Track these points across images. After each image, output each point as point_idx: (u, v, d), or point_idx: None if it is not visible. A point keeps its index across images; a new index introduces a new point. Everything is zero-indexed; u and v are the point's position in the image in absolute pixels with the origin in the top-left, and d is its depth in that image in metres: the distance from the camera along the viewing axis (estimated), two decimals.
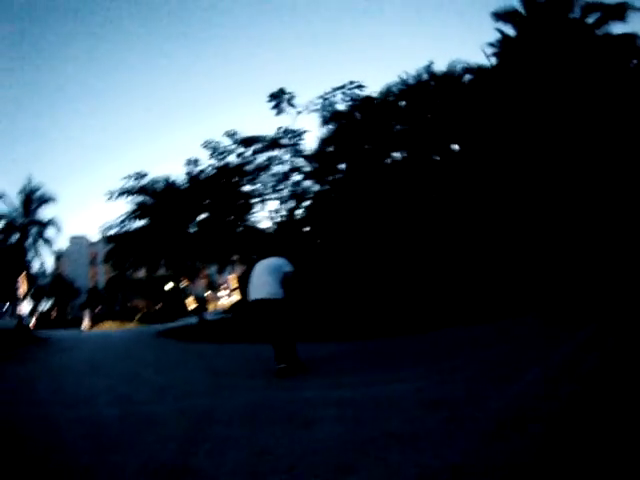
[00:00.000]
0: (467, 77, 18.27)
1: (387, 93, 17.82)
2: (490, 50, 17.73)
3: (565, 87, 15.02)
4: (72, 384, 7.18)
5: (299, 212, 20.66)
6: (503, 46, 17.89)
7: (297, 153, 19.18)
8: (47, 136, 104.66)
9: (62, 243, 46.06)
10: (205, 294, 36.54)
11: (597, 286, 10.20)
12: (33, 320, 31.27)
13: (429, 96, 17.63)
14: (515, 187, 14.92)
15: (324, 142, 18.23)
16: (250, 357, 8.41)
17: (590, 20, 17.14)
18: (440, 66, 18.37)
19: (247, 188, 22.19)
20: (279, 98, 18.06)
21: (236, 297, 24.87)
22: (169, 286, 28.63)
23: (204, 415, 4.31)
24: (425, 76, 17.93)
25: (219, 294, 33.27)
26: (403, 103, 17.66)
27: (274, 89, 18.14)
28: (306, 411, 3.99)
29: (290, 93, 18.17)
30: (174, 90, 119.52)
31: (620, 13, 16.54)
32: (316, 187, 19.75)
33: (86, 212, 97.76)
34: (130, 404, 5.21)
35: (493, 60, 17.88)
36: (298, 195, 20.17)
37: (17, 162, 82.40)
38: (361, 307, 12.94)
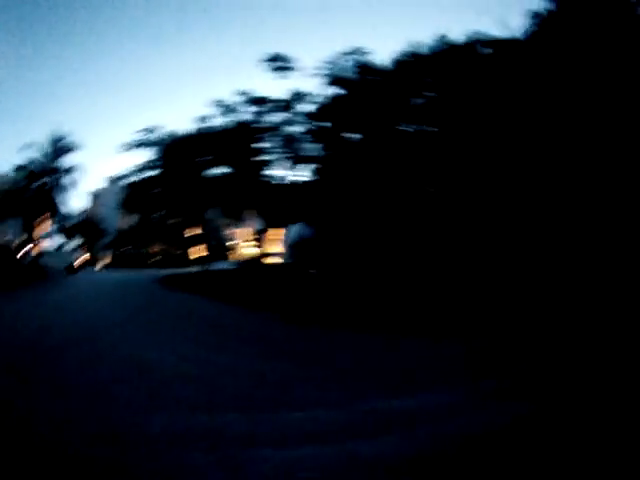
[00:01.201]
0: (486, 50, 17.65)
1: (398, 63, 17.49)
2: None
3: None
4: None
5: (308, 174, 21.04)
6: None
7: (306, 116, 19.33)
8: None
9: (98, 184, 47.65)
10: (228, 243, 37.71)
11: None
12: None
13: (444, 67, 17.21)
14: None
15: (331, 106, 18.23)
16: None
17: None
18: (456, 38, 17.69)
19: (262, 145, 22.64)
20: (280, 61, 18.20)
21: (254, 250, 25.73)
22: (191, 232, 29.77)
23: None
24: (439, 47, 17.40)
25: (244, 244, 34.30)
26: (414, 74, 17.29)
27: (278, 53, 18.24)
28: None
29: (288, 57, 18.36)
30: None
31: None
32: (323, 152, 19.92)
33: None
34: None
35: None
36: (305, 157, 20.50)
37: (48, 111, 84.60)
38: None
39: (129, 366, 4.97)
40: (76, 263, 34.67)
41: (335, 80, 18.01)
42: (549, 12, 17.31)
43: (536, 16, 17.41)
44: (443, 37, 17.41)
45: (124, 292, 16.26)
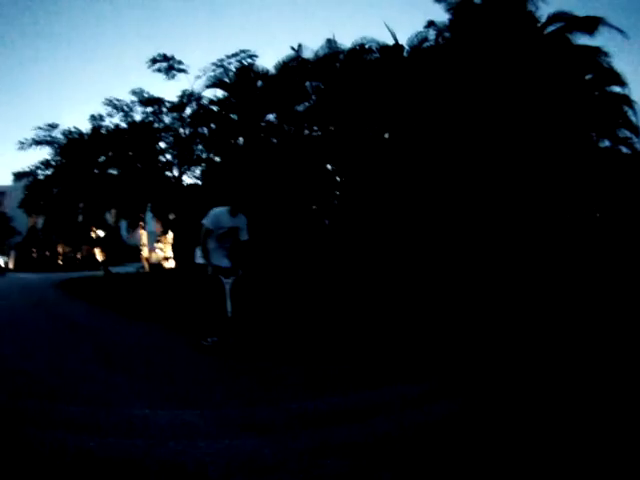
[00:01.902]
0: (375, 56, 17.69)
1: (282, 67, 17.29)
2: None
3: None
4: None
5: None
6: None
7: (196, 118, 18.98)
8: None
9: (4, 181, 45.20)
10: (141, 246, 36.57)
11: None
12: None
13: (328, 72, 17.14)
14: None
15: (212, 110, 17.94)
16: None
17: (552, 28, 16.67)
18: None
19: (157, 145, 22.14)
20: (167, 62, 17.78)
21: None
22: (99, 233, 28.78)
23: None
24: (324, 51, 17.30)
25: (157, 247, 33.33)
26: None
27: (158, 55, 17.80)
28: None
29: (174, 58, 17.97)
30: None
31: (588, 26, 16.04)
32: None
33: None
34: None
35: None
36: (196, 159, 20.22)
37: None
38: None
39: None
40: None
41: (217, 83, 17.70)
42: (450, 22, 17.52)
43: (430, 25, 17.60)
44: (330, 42, 17.32)
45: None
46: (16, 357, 5.39)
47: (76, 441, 2.64)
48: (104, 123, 22.78)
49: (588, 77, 16.81)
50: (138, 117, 21.63)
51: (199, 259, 5.35)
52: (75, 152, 23.47)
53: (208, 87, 18.01)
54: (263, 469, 2.30)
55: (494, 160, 15.22)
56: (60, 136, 23.68)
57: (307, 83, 16.88)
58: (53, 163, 25.06)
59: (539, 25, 16.73)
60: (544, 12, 16.39)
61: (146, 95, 21.08)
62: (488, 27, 16.08)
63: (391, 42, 16.63)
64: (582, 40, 16.03)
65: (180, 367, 4.78)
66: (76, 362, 5.08)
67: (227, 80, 17.62)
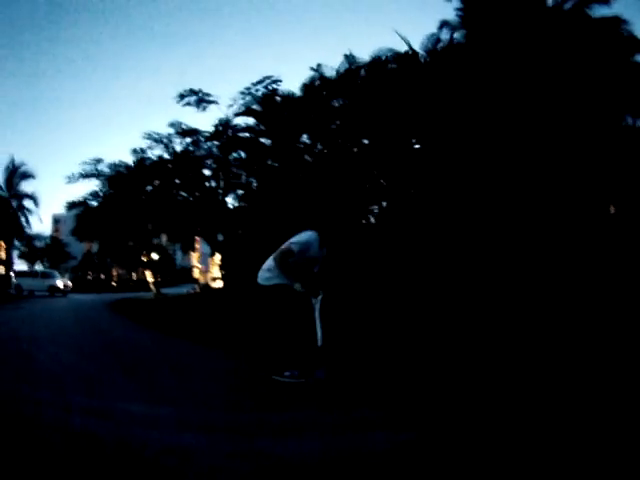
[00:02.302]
0: (392, 66, 17.97)
1: (305, 88, 17.88)
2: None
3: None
4: None
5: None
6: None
7: (226, 145, 19.86)
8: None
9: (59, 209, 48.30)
10: (193, 267, 38.08)
11: None
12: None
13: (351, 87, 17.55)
14: None
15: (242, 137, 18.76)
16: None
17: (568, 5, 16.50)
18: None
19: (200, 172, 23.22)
20: (196, 96, 18.72)
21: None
22: (153, 256, 30.38)
23: None
24: (345, 67, 17.74)
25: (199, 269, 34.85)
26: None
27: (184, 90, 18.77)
28: None
29: (201, 91, 18.87)
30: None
31: None
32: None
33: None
34: None
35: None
36: (236, 184, 21.11)
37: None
38: None
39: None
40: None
41: (245, 111, 18.49)
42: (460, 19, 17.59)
43: (444, 25, 17.71)
44: (347, 57, 17.74)
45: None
46: None
47: None
48: (146, 155, 24.03)
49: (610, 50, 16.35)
50: (178, 147, 22.77)
51: (265, 280, 4.73)
52: (122, 183, 24.89)
53: (237, 115, 18.85)
54: None
55: (516, 155, 15.18)
56: (106, 169, 25.16)
57: (333, 101, 17.39)
58: (101, 194, 26.71)
59: (554, 4, 16.53)
60: None
61: (184, 127, 22.11)
62: (501, 16, 16.00)
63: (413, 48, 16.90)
64: (600, 11, 15.71)
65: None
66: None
67: (254, 107, 18.36)
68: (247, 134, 19.08)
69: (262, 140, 18.88)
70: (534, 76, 14.93)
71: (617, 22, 16.30)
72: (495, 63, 15.40)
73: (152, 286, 29.24)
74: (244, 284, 19.43)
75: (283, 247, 4.70)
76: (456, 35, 17.38)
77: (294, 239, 4.71)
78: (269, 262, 4.79)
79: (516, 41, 15.42)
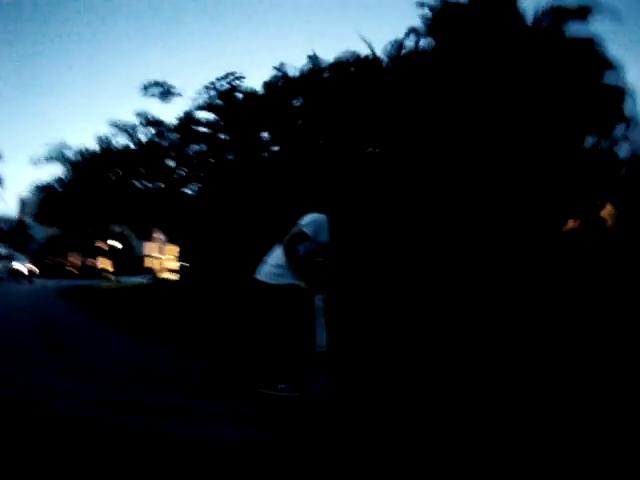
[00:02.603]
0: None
1: (267, 86, 18.03)
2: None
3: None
4: None
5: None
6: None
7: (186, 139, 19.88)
8: None
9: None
10: (150, 257, 37.73)
11: None
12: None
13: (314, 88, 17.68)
14: None
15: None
16: None
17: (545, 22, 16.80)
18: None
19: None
20: (160, 88, 18.72)
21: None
22: (114, 244, 30.05)
23: None
24: (309, 67, 17.91)
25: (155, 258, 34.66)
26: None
27: (148, 82, 18.78)
28: None
29: (166, 84, 18.89)
30: None
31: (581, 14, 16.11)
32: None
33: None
34: None
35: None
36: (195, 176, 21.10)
37: None
38: None
39: None
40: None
41: (207, 106, 18.54)
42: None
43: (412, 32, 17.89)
44: (311, 58, 17.93)
45: None
46: None
47: None
48: (111, 143, 23.92)
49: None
50: (143, 137, 22.71)
51: (273, 277, 3.89)
52: (86, 170, 24.70)
53: (198, 109, 18.87)
54: None
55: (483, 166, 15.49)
56: (70, 155, 24.95)
57: (294, 101, 17.57)
58: (65, 180, 26.42)
59: (530, 22, 16.92)
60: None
61: (149, 117, 22.09)
62: (471, 27, 16.28)
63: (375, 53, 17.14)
64: (576, 30, 16.09)
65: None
66: None
67: (216, 102, 18.44)
68: (206, 129, 19.11)
69: (222, 135, 18.93)
70: (500, 90, 15.30)
71: (590, 43, 16.75)
72: (461, 73, 15.72)
73: (108, 274, 29.01)
74: (203, 277, 19.48)
75: (292, 231, 3.92)
76: (422, 42, 17.67)
77: (303, 221, 3.95)
78: (278, 254, 3.95)
79: (485, 54, 15.77)
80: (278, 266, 3.88)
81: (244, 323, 5.11)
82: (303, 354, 3.79)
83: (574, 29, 16.95)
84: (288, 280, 3.83)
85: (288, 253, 3.84)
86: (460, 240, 14.30)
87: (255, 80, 19.42)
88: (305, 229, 3.87)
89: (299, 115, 17.44)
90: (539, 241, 15.08)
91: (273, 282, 3.87)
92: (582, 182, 16.78)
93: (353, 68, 16.73)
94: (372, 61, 16.57)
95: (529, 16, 17.22)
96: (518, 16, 17.42)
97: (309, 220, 3.94)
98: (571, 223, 17.46)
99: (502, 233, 14.71)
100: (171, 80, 21.32)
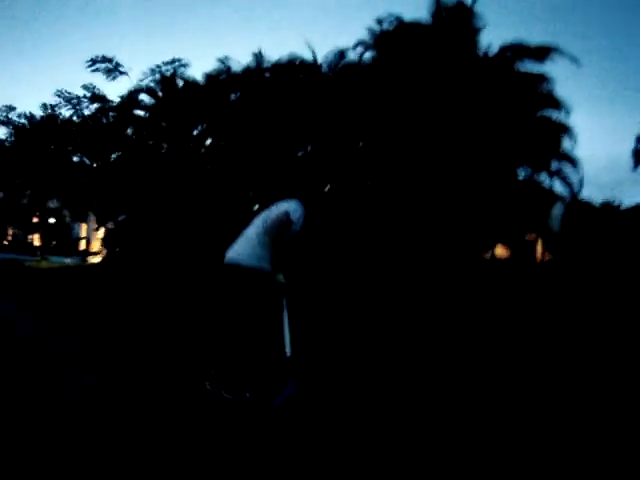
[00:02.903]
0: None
1: (210, 78, 17.83)
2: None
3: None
4: None
5: None
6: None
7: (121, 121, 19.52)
8: None
9: None
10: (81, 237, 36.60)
11: None
12: None
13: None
14: None
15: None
16: None
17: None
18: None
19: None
20: (107, 64, 18.35)
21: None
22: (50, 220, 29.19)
23: None
24: (254, 65, 17.82)
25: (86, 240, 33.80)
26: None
27: (96, 56, 18.37)
28: None
29: (113, 60, 18.50)
30: None
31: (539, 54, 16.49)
32: None
33: None
34: None
35: None
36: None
37: None
38: None
39: None
40: None
41: (146, 89, 18.26)
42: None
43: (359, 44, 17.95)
44: (256, 56, 17.86)
45: None
46: None
47: None
48: (56, 113, 23.41)
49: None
50: (87, 112, 22.25)
51: (254, 260, 3.69)
52: (29, 137, 24.11)
53: (138, 92, 18.52)
54: None
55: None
56: (16, 118, 24.34)
57: (231, 95, 17.42)
58: (7, 144, 25.75)
59: (486, 54, 17.18)
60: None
61: (95, 91, 21.64)
62: (422, 48, 16.41)
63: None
64: (531, 67, 16.57)
65: None
66: None
67: (155, 87, 18.18)
68: (143, 113, 18.80)
69: (162, 122, 18.62)
70: (437, 111, 15.43)
71: (540, 79, 17.09)
72: (398, 88, 15.81)
73: (39, 252, 28.18)
74: (127, 264, 19.00)
75: (275, 216, 3.76)
76: (368, 54, 17.76)
77: (285, 207, 3.82)
78: (255, 235, 3.78)
79: (429, 76, 15.90)
80: (258, 245, 3.73)
81: (206, 309, 4.87)
82: (271, 357, 3.61)
83: (530, 67, 17.36)
84: (267, 266, 3.70)
85: (276, 240, 3.69)
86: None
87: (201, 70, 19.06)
88: (291, 216, 3.75)
89: (235, 110, 17.27)
90: (462, 261, 15.27)
91: (257, 266, 3.68)
92: (512, 212, 17.04)
93: (294, 71, 16.66)
94: (312, 67, 16.60)
95: (489, 48, 17.57)
96: (473, 46, 17.72)
97: (293, 207, 3.82)
98: (499, 250, 17.75)
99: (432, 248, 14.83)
100: (122, 58, 20.84)
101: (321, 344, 5.30)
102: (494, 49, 17.33)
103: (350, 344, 5.61)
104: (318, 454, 2.67)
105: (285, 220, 3.71)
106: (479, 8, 16.88)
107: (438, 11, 17.44)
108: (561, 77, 17.16)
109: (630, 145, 19.06)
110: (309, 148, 16.37)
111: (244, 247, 3.76)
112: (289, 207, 3.80)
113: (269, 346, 3.62)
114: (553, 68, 16.68)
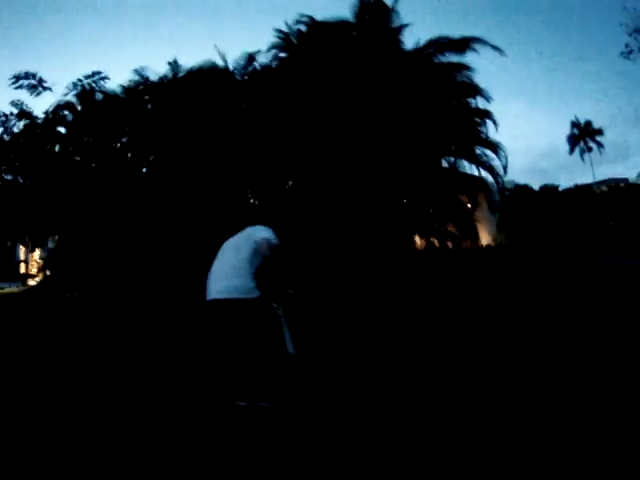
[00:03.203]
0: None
1: (128, 91, 17.66)
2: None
3: None
4: None
5: None
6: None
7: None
8: None
9: None
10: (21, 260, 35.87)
11: None
12: None
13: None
14: None
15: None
16: None
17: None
18: None
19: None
20: (31, 80, 17.99)
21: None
22: None
23: None
24: (171, 74, 17.71)
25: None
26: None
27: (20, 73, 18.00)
28: None
29: (36, 76, 18.13)
30: None
31: (460, 46, 16.52)
32: None
33: None
34: None
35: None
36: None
37: None
38: None
39: None
40: None
41: (64, 104, 18.00)
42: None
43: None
44: (174, 64, 17.74)
45: None
46: None
47: None
48: None
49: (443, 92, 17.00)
50: (16, 130, 21.77)
51: (242, 292, 3.71)
52: None
53: (58, 109, 18.21)
54: None
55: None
56: None
57: (148, 106, 17.25)
58: None
59: (404, 49, 17.18)
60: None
61: (25, 108, 21.20)
62: (341, 45, 16.39)
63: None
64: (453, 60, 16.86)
65: None
66: None
67: (73, 101, 17.93)
68: (64, 130, 18.52)
69: (81, 137, 18.36)
70: (356, 104, 15.36)
71: (459, 68, 17.13)
72: (313, 88, 15.73)
73: None
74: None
75: (267, 243, 3.83)
76: (282, 55, 17.70)
77: (262, 234, 3.90)
78: (244, 268, 3.76)
79: (349, 73, 15.83)
80: (243, 276, 3.74)
81: (202, 344, 4.80)
82: (277, 365, 3.64)
83: (452, 59, 17.43)
84: (257, 293, 3.69)
85: (272, 267, 3.79)
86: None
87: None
88: (272, 241, 3.87)
89: (152, 121, 17.08)
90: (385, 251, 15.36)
91: (250, 297, 3.67)
92: (433, 200, 16.99)
93: (205, 77, 16.54)
94: (223, 72, 16.52)
95: (418, 44, 17.65)
96: (395, 42, 17.75)
97: (271, 233, 3.94)
98: (418, 240, 17.69)
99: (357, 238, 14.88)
100: (47, 74, 20.46)
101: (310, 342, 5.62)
102: (421, 45, 17.45)
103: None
104: (322, 453, 2.98)
105: (278, 247, 3.85)
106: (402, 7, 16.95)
107: (361, 11, 17.60)
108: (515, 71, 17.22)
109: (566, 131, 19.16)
110: (225, 155, 16.17)
111: (230, 279, 3.75)
112: (271, 234, 3.91)
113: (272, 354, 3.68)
114: (480, 60, 16.81)
